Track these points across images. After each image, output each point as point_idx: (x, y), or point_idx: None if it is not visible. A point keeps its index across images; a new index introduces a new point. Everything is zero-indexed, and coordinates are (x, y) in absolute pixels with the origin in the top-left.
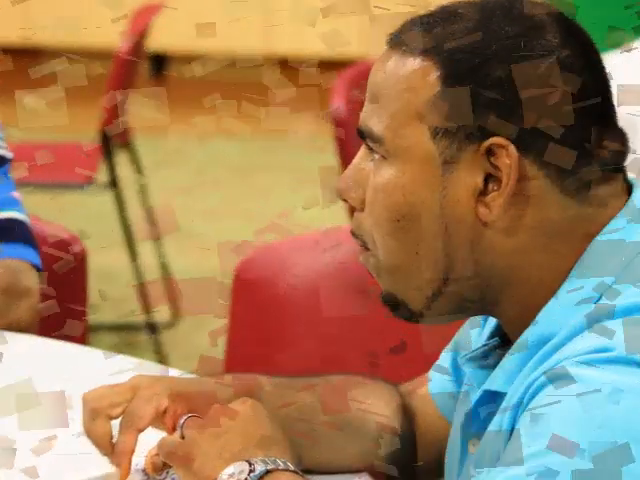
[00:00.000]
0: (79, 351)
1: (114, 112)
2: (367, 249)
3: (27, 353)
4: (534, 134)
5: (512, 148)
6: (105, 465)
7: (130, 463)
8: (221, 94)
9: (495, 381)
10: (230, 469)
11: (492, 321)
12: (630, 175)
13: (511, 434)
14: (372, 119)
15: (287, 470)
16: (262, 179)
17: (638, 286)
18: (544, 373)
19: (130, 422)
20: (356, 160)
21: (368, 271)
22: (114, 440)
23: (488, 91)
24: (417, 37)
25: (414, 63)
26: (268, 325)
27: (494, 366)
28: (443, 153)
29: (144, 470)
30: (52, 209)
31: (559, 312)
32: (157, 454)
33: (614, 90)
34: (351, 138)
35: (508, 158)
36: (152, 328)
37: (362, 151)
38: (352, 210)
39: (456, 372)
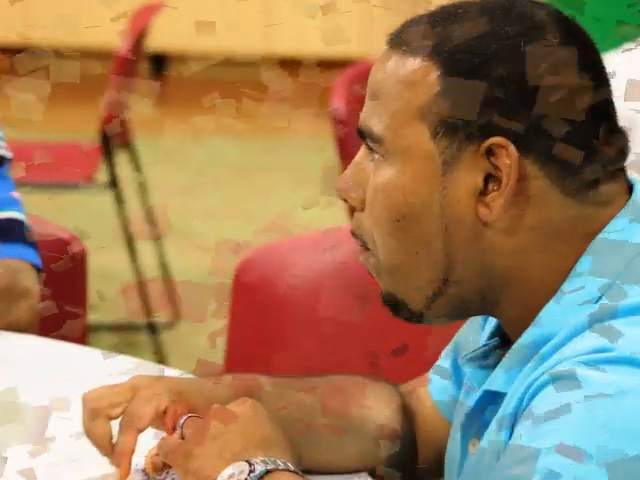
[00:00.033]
0: (79, 351)
1: (114, 112)
2: (367, 249)
3: (27, 353)
4: (534, 134)
5: (512, 148)
6: (105, 465)
7: (130, 463)
8: (221, 94)
9: (495, 381)
10: (230, 469)
11: (492, 321)
12: (630, 174)
13: (511, 434)
14: (372, 119)
15: (287, 470)
16: (262, 179)
17: None
18: (544, 373)
19: (130, 422)
20: (356, 160)
21: (368, 271)
22: (114, 440)
23: (488, 91)
24: (417, 37)
25: (414, 63)
26: (268, 325)
27: (494, 366)
28: (443, 153)
29: (144, 470)
30: (52, 209)
31: (559, 312)
32: (157, 454)
33: (623, 85)
34: (351, 138)
35: (508, 158)
36: (152, 328)
37: (362, 151)
38: (352, 210)
39: (456, 372)
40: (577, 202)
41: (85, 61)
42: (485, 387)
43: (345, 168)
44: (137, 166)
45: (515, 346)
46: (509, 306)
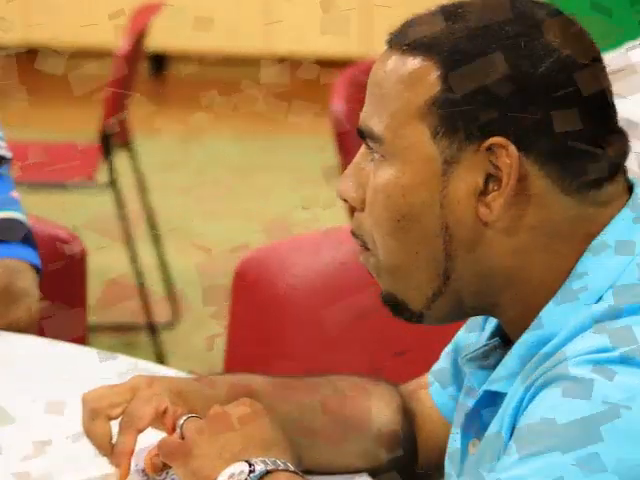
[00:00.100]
0: (78, 351)
1: (114, 112)
2: (367, 249)
3: (27, 353)
4: (534, 134)
5: (512, 148)
6: (105, 465)
7: (130, 463)
8: (221, 93)
9: (495, 381)
10: (230, 469)
11: (492, 321)
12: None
13: (511, 434)
14: (372, 119)
15: (287, 470)
16: (262, 179)
17: None
18: (545, 373)
19: (130, 422)
20: (356, 160)
21: (368, 271)
22: (114, 440)
23: (488, 91)
24: (417, 36)
25: (414, 62)
26: (268, 325)
27: (494, 366)
28: (443, 153)
29: (144, 470)
30: (52, 209)
31: (560, 312)
32: (157, 454)
33: None
34: (351, 138)
35: (508, 158)
36: (152, 328)
37: (362, 151)
38: (352, 210)
39: (456, 372)
40: (577, 202)
41: (85, 61)
42: (485, 387)
43: (345, 168)
44: (137, 166)
45: (515, 346)
46: (509, 306)
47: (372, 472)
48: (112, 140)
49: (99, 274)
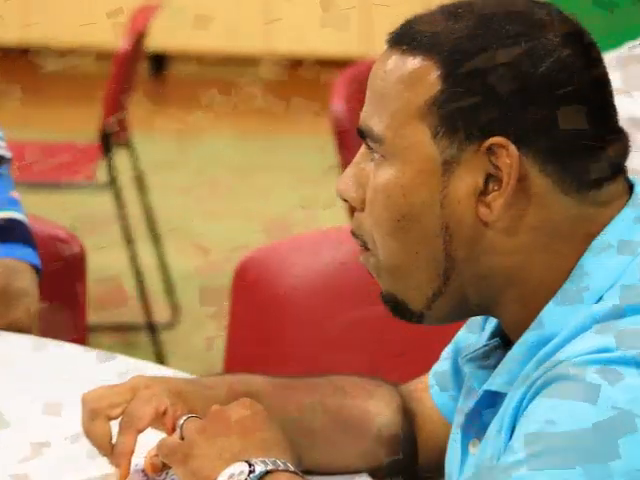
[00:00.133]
0: (78, 351)
1: (113, 111)
2: (367, 249)
3: (27, 353)
4: (535, 134)
5: (512, 148)
6: (104, 466)
7: (129, 464)
8: (220, 93)
9: (496, 381)
10: (230, 470)
11: (493, 321)
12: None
13: (511, 435)
14: (372, 119)
15: (287, 471)
16: (262, 179)
17: None
18: (545, 374)
19: (129, 423)
20: (356, 160)
21: (368, 271)
22: (113, 441)
23: (488, 90)
24: (417, 36)
25: (414, 62)
26: (268, 325)
27: (495, 366)
28: (443, 153)
29: (143, 471)
30: (51, 209)
31: (560, 312)
32: (156, 455)
33: None
34: (351, 138)
35: (509, 158)
36: (152, 328)
37: (362, 151)
38: (352, 210)
39: (456, 373)
40: (578, 202)
41: (85, 60)
42: (485, 387)
43: (345, 168)
44: (136, 166)
45: (515, 346)
46: (510, 306)
47: (372, 472)
48: (112, 140)
49: (99, 274)
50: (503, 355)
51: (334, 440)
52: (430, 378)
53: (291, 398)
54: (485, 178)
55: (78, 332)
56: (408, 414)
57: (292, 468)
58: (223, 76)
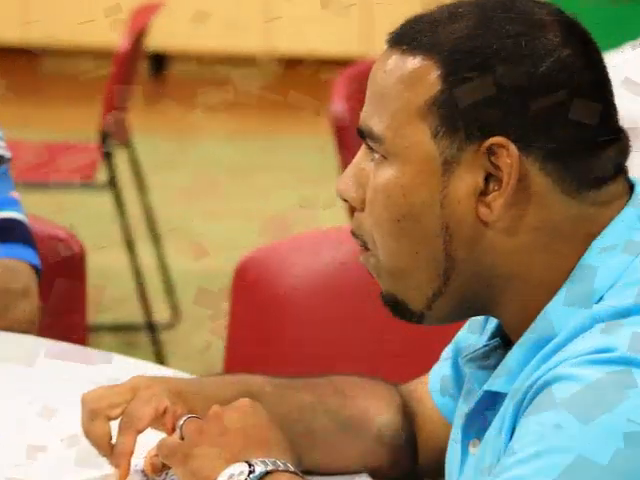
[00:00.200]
0: (78, 351)
1: (113, 111)
2: (367, 249)
3: (27, 353)
4: (535, 133)
5: (513, 147)
6: (104, 466)
7: (129, 464)
8: (220, 93)
9: (496, 382)
10: (230, 470)
11: (493, 321)
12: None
13: (512, 435)
14: (372, 119)
15: (287, 471)
16: (262, 179)
17: None
18: (545, 374)
19: (129, 423)
20: (356, 160)
21: (368, 271)
22: (113, 441)
23: (488, 90)
24: (417, 36)
25: (414, 62)
26: (268, 325)
27: (495, 367)
28: (444, 153)
29: (143, 471)
30: (51, 209)
31: (561, 312)
32: (156, 455)
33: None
34: (351, 138)
35: (509, 157)
36: (151, 329)
37: (362, 151)
38: (352, 210)
39: (457, 373)
40: (578, 202)
41: (85, 60)
42: (486, 387)
43: (345, 168)
44: (136, 166)
45: (516, 347)
46: (510, 306)
47: (372, 472)
48: (111, 140)
49: (99, 274)
50: (503, 355)
51: (334, 440)
52: (430, 378)
53: (291, 398)
54: (485, 178)
55: (78, 332)
56: (408, 414)
57: (292, 468)
58: (223, 75)
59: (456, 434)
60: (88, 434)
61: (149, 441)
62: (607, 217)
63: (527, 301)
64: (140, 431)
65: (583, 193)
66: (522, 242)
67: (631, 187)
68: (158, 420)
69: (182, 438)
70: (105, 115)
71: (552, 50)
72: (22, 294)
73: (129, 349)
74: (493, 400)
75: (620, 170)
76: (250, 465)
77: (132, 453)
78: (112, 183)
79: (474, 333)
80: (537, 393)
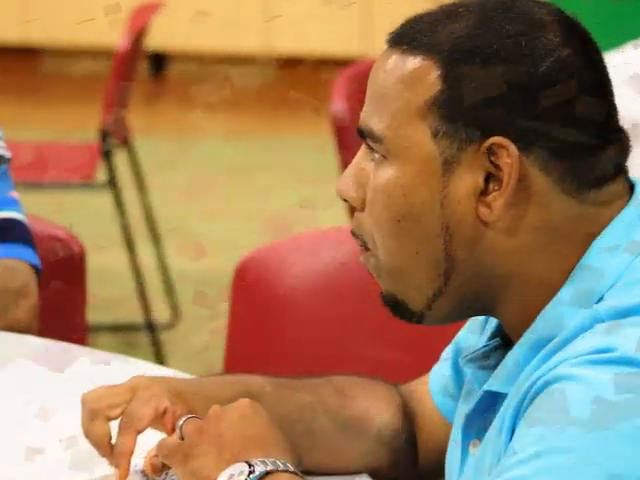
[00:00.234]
0: (78, 351)
1: (113, 111)
2: (367, 249)
3: (27, 353)
4: (535, 133)
5: (513, 147)
6: (104, 466)
7: (129, 464)
8: (220, 93)
9: (496, 382)
10: (229, 470)
11: (493, 321)
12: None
13: (512, 435)
14: (372, 118)
15: (287, 471)
16: (262, 179)
17: None
18: (546, 374)
19: (129, 423)
20: (356, 160)
21: (368, 271)
22: (113, 441)
23: (489, 90)
24: (417, 36)
25: (414, 62)
26: (268, 325)
27: (495, 367)
28: (444, 153)
29: (143, 471)
30: (50, 208)
31: (561, 312)
32: (156, 455)
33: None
34: (351, 138)
35: (509, 157)
36: (151, 329)
37: (362, 151)
38: (352, 210)
39: (457, 373)
40: (578, 202)
41: (84, 60)
42: (486, 388)
43: (345, 168)
44: (136, 166)
45: (516, 347)
46: (510, 306)
47: (372, 473)
48: (111, 139)
49: (99, 274)
50: (503, 355)
51: (334, 440)
52: (430, 378)
53: (291, 398)
54: (485, 178)
55: (78, 332)
56: (408, 414)
57: (292, 468)
58: (222, 75)
59: (456, 434)
60: (88, 434)
61: (149, 441)
62: (607, 217)
63: (527, 301)
64: (140, 431)
65: (583, 193)
66: (522, 242)
67: (631, 187)
68: (158, 420)
69: (182, 438)
70: (105, 115)
71: (552, 50)
72: (22, 294)
73: (129, 349)
74: (493, 400)
75: (620, 170)
76: (250, 465)
77: (132, 453)
78: (112, 183)
79: (474, 333)
80: (537, 393)
